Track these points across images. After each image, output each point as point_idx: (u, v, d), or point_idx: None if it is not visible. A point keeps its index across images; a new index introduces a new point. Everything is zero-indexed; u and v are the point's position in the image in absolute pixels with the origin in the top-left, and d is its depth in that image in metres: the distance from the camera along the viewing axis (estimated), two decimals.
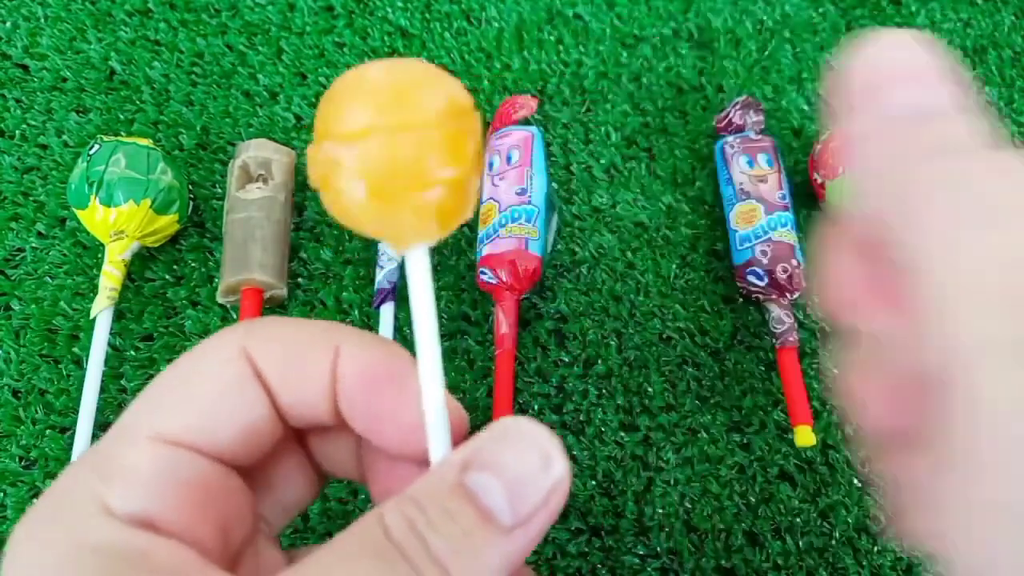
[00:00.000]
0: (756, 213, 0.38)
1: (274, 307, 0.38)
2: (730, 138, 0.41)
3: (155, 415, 0.16)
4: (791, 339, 0.36)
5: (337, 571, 0.14)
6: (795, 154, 0.43)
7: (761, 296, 0.38)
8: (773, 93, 0.45)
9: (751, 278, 0.37)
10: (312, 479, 0.20)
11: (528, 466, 0.15)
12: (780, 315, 0.37)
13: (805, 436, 0.34)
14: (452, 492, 0.14)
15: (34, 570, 0.14)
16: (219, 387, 0.16)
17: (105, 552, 0.14)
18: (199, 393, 0.16)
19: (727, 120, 0.41)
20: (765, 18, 0.47)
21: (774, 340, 0.37)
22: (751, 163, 0.39)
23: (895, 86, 0.14)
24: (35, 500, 0.33)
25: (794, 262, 0.37)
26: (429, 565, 0.14)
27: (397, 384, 0.17)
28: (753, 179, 0.39)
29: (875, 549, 0.35)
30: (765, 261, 0.37)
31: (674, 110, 0.44)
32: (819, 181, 0.40)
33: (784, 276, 0.37)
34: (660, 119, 0.44)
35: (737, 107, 0.41)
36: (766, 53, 0.46)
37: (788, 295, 0.37)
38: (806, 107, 0.45)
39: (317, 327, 0.17)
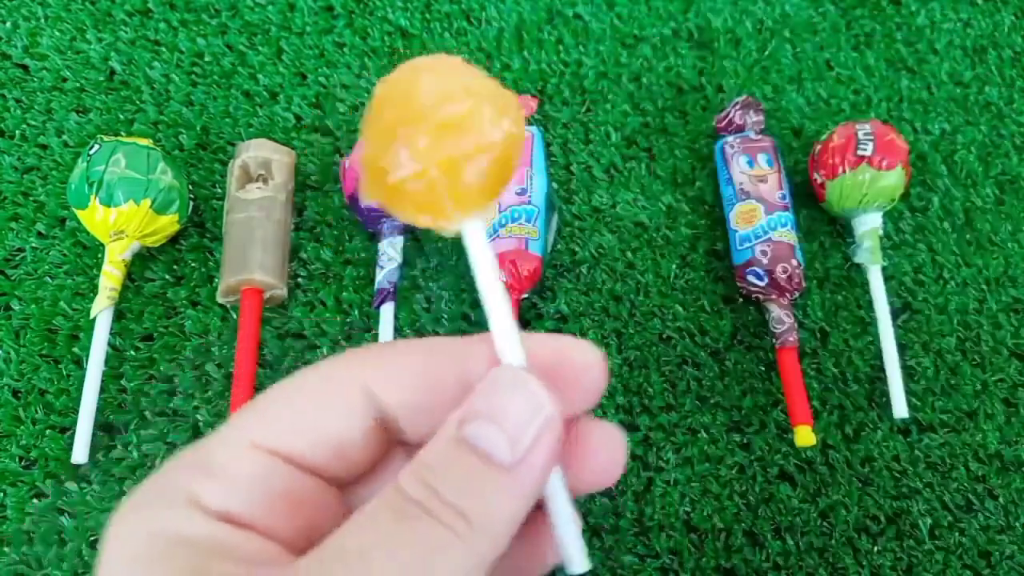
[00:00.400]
0: (756, 213, 0.38)
1: (274, 307, 0.38)
2: (730, 138, 0.40)
3: (258, 424, 0.16)
4: (791, 339, 0.36)
5: (364, 534, 0.15)
6: (795, 154, 0.43)
7: (761, 296, 0.38)
8: (773, 93, 0.45)
9: (751, 278, 0.37)
10: None
11: (519, 410, 0.16)
12: (780, 315, 0.37)
13: (805, 436, 0.34)
14: (454, 445, 0.16)
15: (126, 559, 0.15)
16: (319, 408, 0.17)
17: (195, 543, 0.15)
18: (301, 410, 0.17)
19: (727, 120, 0.41)
20: (765, 18, 0.47)
21: (774, 340, 0.37)
22: (751, 163, 0.39)
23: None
24: (35, 500, 0.33)
25: (794, 262, 0.37)
26: (444, 509, 0.15)
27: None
28: (753, 179, 0.39)
29: (875, 549, 0.35)
30: (765, 261, 0.37)
31: (674, 110, 0.44)
32: (819, 181, 0.40)
33: (784, 276, 0.36)
34: (660, 119, 0.44)
35: (737, 107, 0.41)
36: (766, 53, 0.46)
37: (788, 295, 0.37)
38: (806, 107, 0.45)
39: (438, 346, 0.18)
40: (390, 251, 0.37)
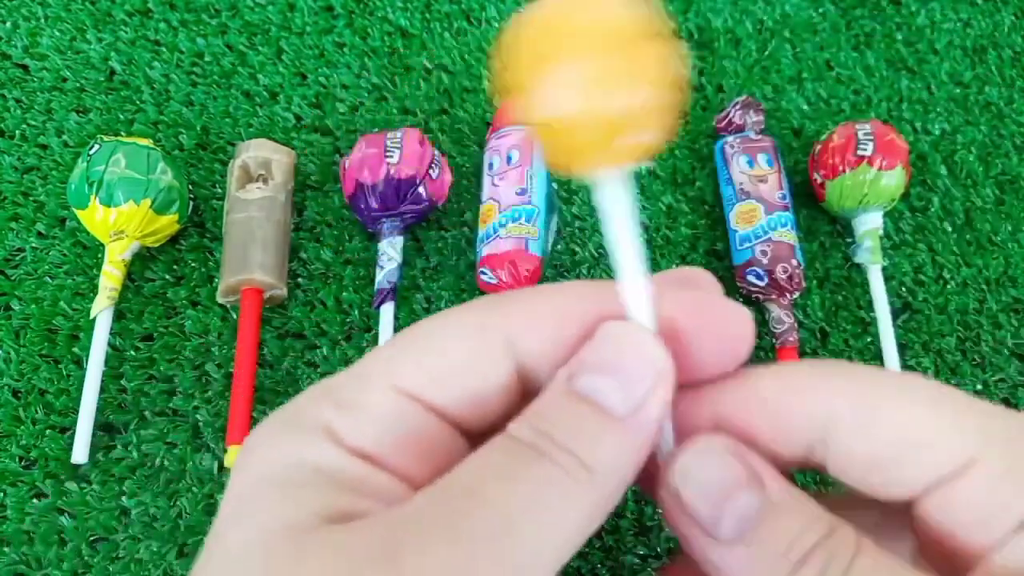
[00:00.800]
0: (756, 213, 0.38)
1: (274, 307, 0.38)
2: (730, 138, 0.40)
3: (398, 366, 0.16)
4: (791, 339, 0.36)
5: (477, 471, 0.15)
6: (795, 154, 0.43)
7: (761, 296, 0.38)
8: (773, 93, 0.45)
9: (751, 278, 0.37)
10: None
11: (632, 363, 0.16)
12: (780, 315, 0.37)
13: None
14: (566, 397, 0.15)
15: (261, 483, 0.15)
16: (464, 356, 0.16)
17: (328, 472, 0.15)
18: (444, 356, 0.16)
19: (727, 120, 0.41)
20: (765, 18, 0.47)
21: (774, 340, 0.37)
22: (751, 163, 0.39)
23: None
24: (35, 500, 0.33)
25: (794, 262, 0.37)
26: (559, 451, 0.14)
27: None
28: (753, 179, 0.39)
29: None
30: (765, 261, 0.37)
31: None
32: (819, 181, 0.40)
33: (784, 276, 0.36)
34: None
35: (737, 107, 0.41)
36: (766, 53, 0.46)
37: (788, 295, 0.37)
38: (806, 107, 0.45)
39: (576, 292, 0.17)
40: (390, 251, 0.37)
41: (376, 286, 0.37)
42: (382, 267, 0.37)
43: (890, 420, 0.16)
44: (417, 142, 0.38)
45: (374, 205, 0.37)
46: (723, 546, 0.15)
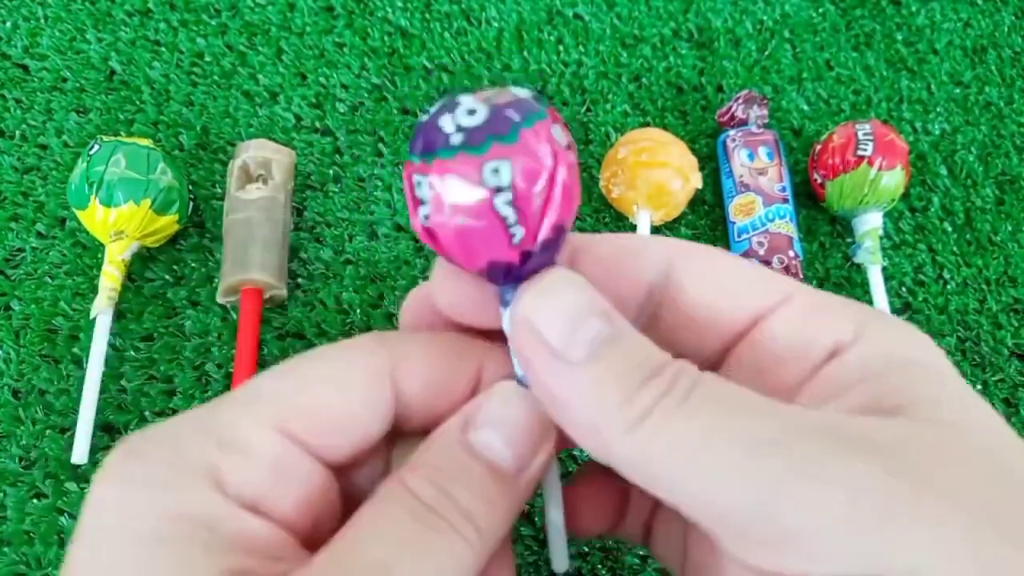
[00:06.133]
0: (754, 205, 0.38)
1: (274, 307, 0.38)
2: (732, 132, 0.41)
3: (284, 404, 0.16)
4: None
5: (384, 539, 0.14)
6: (795, 154, 0.43)
7: None
8: (773, 93, 0.45)
9: None
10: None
11: (521, 419, 0.16)
12: None
13: None
14: (461, 451, 0.16)
15: (139, 539, 0.13)
16: (357, 403, 0.16)
17: (218, 531, 0.14)
18: (332, 399, 0.16)
19: (729, 114, 0.41)
20: (765, 18, 0.47)
21: None
22: (751, 156, 0.39)
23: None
24: (35, 500, 0.33)
25: (791, 253, 0.37)
26: (461, 519, 0.15)
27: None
28: (753, 172, 0.39)
29: None
30: (762, 252, 0.37)
31: (674, 110, 0.44)
32: (819, 181, 0.40)
33: (780, 267, 0.36)
34: (660, 119, 0.44)
35: (739, 101, 0.41)
36: (766, 53, 0.46)
37: None
38: (806, 107, 0.45)
39: (460, 346, 0.18)
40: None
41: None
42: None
43: (720, 267, 0.17)
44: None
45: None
46: (575, 367, 0.15)
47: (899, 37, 0.47)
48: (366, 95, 0.44)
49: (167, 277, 0.38)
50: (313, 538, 0.16)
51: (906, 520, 0.12)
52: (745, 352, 0.17)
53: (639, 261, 0.18)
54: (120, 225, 0.35)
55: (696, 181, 0.38)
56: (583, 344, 0.15)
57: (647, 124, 0.43)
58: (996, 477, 0.13)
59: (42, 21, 0.45)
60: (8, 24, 0.44)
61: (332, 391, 0.16)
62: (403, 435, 0.19)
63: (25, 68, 0.43)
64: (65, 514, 0.33)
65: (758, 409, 0.14)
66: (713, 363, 0.18)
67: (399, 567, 0.14)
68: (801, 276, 0.37)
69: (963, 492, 0.13)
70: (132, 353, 0.36)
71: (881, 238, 0.39)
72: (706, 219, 0.41)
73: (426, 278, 0.39)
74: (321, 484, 0.16)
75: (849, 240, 0.40)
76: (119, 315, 0.37)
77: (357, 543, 0.14)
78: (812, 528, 0.12)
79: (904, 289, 0.40)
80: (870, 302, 0.38)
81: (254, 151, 0.38)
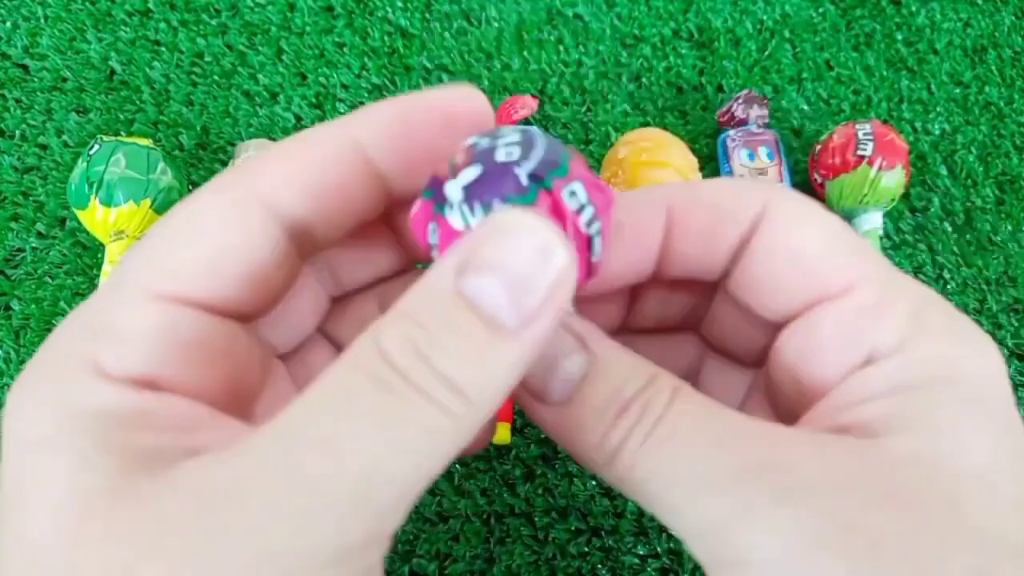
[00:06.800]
0: None
1: None
2: (732, 132, 0.41)
3: (151, 268, 0.14)
4: None
5: (336, 411, 0.12)
6: (795, 154, 0.43)
7: None
8: (773, 93, 0.45)
9: None
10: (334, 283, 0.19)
11: (526, 260, 0.13)
12: None
13: None
14: (451, 301, 0.13)
15: (33, 442, 0.13)
16: (219, 239, 0.14)
17: (102, 416, 0.13)
18: (197, 245, 0.14)
19: (729, 114, 0.41)
20: (765, 18, 0.47)
21: None
22: (752, 156, 0.39)
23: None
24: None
25: None
26: (437, 385, 0.13)
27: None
28: (753, 172, 0.39)
29: None
30: None
31: (674, 110, 0.44)
32: (819, 181, 0.40)
33: None
34: (660, 119, 0.44)
35: (739, 101, 0.41)
36: (766, 53, 0.46)
37: None
38: (806, 107, 0.45)
39: (332, 131, 0.16)
40: None
41: None
42: None
43: (798, 238, 0.16)
44: None
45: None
46: (554, 408, 0.16)
47: (899, 37, 0.47)
48: (366, 95, 0.44)
49: None
50: (241, 404, 0.15)
51: (823, 562, 0.13)
52: (794, 333, 0.17)
53: (729, 226, 0.17)
54: (120, 225, 0.35)
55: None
56: (560, 384, 0.15)
57: (647, 124, 0.43)
58: (946, 537, 0.13)
59: (42, 21, 0.45)
60: (8, 24, 0.44)
61: (194, 236, 0.14)
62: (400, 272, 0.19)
63: (25, 68, 0.43)
64: None
65: (717, 442, 0.14)
66: (765, 341, 0.18)
67: (350, 444, 0.12)
68: None
69: (891, 542, 0.13)
70: None
71: (881, 238, 0.39)
72: None
73: None
74: (232, 342, 0.15)
75: None
76: None
77: (305, 415, 0.12)
78: (757, 561, 0.13)
79: None
80: None
81: (254, 151, 0.38)
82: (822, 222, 0.16)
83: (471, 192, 0.14)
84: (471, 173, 0.14)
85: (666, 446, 0.14)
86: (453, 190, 0.14)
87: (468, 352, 0.13)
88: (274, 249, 0.15)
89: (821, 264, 0.16)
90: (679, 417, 0.15)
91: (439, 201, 0.14)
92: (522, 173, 0.14)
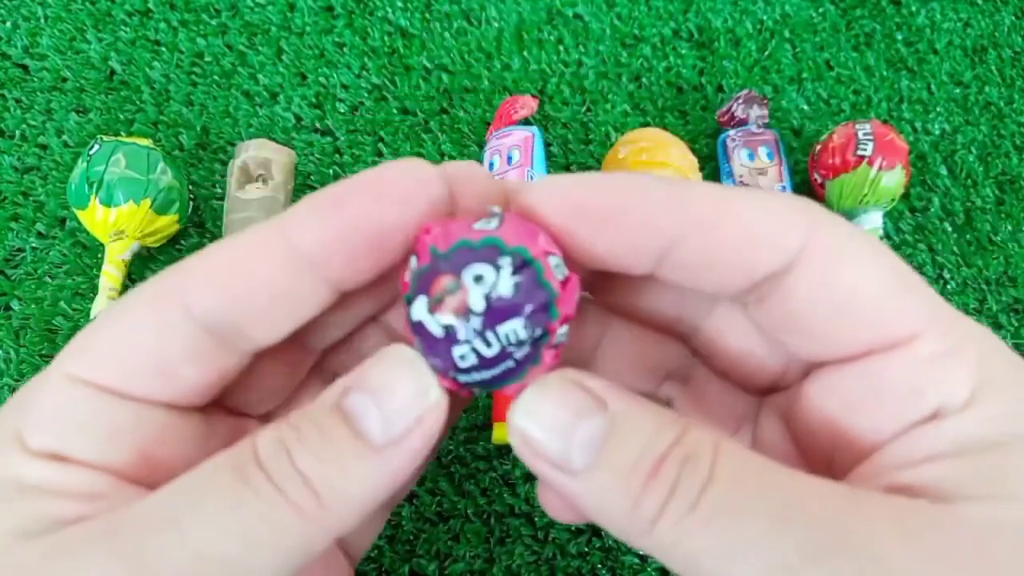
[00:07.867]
0: None
1: None
2: (732, 132, 0.41)
3: (72, 354, 0.16)
4: None
5: (191, 494, 0.14)
6: (795, 154, 0.43)
7: None
8: (773, 93, 0.45)
9: None
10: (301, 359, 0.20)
11: (404, 391, 0.15)
12: None
13: None
14: (329, 412, 0.14)
15: None
16: (137, 331, 0.15)
17: (20, 483, 0.14)
18: (115, 336, 0.15)
19: (729, 114, 0.41)
20: (765, 18, 0.47)
21: None
22: (751, 156, 0.39)
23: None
24: None
25: None
26: (293, 482, 0.14)
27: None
28: (753, 172, 0.39)
29: None
30: None
31: (674, 110, 0.44)
32: (819, 181, 0.40)
33: None
34: (660, 119, 0.44)
35: (739, 101, 0.41)
36: (766, 53, 0.46)
37: None
38: (806, 107, 0.45)
39: (257, 239, 0.16)
40: None
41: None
42: None
43: (844, 278, 0.15)
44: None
45: None
46: (579, 478, 0.14)
47: (899, 37, 0.47)
48: (366, 95, 0.44)
49: None
50: (160, 474, 0.16)
51: None
52: (842, 379, 0.15)
53: (766, 253, 0.15)
54: (120, 225, 0.35)
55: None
56: (581, 450, 0.14)
57: (647, 124, 0.43)
58: None
59: (42, 21, 0.45)
60: (8, 24, 0.44)
61: (115, 328, 0.15)
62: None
63: (25, 68, 0.43)
64: None
65: (781, 515, 0.13)
66: (782, 371, 0.17)
67: (190, 523, 0.13)
68: None
69: None
70: None
71: (881, 238, 0.39)
72: None
73: None
74: (153, 425, 0.16)
75: None
76: None
77: (166, 496, 0.14)
78: None
79: None
80: None
81: (254, 151, 0.38)
82: (875, 256, 0.15)
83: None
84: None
85: (721, 520, 0.13)
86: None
87: (330, 455, 0.14)
88: (189, 347, 0.16)
89: (880, 309, 0.14)
90: (730, 485, 0.13)
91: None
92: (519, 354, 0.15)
